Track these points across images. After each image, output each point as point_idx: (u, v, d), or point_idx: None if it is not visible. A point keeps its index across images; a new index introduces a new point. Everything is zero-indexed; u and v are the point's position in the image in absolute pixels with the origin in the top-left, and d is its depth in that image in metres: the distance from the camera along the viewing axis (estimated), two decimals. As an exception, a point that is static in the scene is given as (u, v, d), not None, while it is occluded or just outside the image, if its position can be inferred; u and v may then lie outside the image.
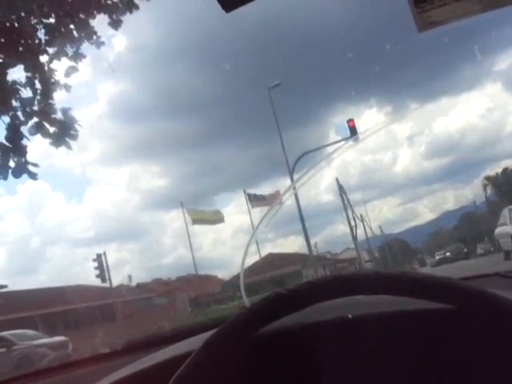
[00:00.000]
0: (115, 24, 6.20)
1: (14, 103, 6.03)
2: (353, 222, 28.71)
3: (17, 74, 6.14)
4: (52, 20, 5.94)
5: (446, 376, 0.60)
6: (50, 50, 6.09)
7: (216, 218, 29.50)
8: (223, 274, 32.61)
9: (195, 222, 27.89)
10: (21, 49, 5.82)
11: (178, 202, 29.67)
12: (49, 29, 5.94)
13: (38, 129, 6.11)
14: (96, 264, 23.26)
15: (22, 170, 5.99)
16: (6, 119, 5.97)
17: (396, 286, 0.59)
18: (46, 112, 6.15)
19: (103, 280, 23.37)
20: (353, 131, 17.83)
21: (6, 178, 5.94)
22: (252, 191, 28.31)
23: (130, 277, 28.20)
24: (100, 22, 6.16)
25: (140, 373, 0.73)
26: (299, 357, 0.64)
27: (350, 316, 0.64)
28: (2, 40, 5.73)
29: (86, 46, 6.33)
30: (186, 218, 27.72)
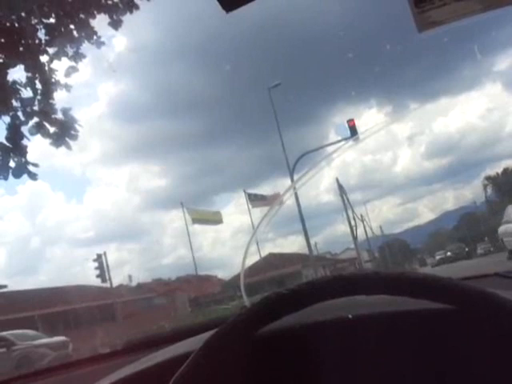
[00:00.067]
0: (115, 24, 6.21)
1: (15, 103, 6.04)
2: (353, 222, 28.74)
3: (17, 74, 6.16)
4: (52, 20, 5.95)
5: (447, 376, 0.60)
6: (51, 50, 6.11)
7: (215, 219, 29.51)
8: (223, 274, 32.62)
9: (195, 221, 27.91)
10: (21, 49, 5.82)
11: (178, 202, 29.71)
12: (49, 29, 5.95)
13: (38, 129, 6.11)
14: (96, 264, 23.28)
15: (22, 170, 6.00)
16: (7, 119, 5.99)
17: (396, 286, 0.59)
18: (46, 112, 6.16)
19: (103, 280, 23.39)
20: (353, 131, 17.84)
21: (6, 178, 5.96)
22: (252, 191, 28.31)
23: (130, 277, 28.22)
24: (100, 22, 6.17)
25: (140, 373, 0.73)
26: (299, 357, 0.64)
27: (350, 316, 0.64)
28: (3, 40, 5.74)
29: (86, 46, 6.35)
30: (186, 218, 27.77)
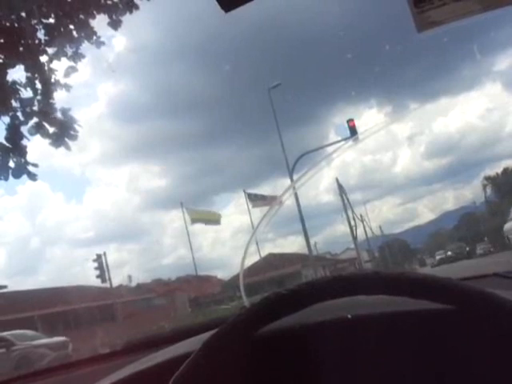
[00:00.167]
0: (115, 24, 6.21)
1: (14, 103, 6.04)
2: (353, 222, 28.80)
3: (17, 74, 6.16)
4: (52, 20, 5.95)
5: (447, 376, 0.60)
6: (50, 50, 6.11)
7: (214, 219, 29.49)
8: (223, 275, 32.61)
9: (194, 221, 27.90)
10: (21, 49, 5.82)
11: (178, 202, 29.75)
12: (48, 29, 5.94)
13: (38, 129, 6.11)
14: (96, 264, 23.28)
15: (21, 170, 6.00)
16: (6, 119, 5.99)
17: (396, 287, 0.59)
18: (46, 112, 6.16)
19: (103, 280, 23.39)
20: (353, 131, 17.84)
21: (6, 179, 5.95)
22: (252, 191, 28.33)
23: (129, 277, 28.21)
24: (99, 22, 6.17)
25: (140, 373, 0.73)
26: (299, 357, 0.64)
27: (349, 316, 0.64)
28: (2, 40, 5.73)
29: (85, 46, 6.35)
30: (185, 218, 27.77)
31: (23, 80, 6.05)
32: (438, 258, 37.38)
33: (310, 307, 0.60)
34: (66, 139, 6.27)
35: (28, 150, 6.06)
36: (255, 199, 26.69)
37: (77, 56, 6.32)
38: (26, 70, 6.05)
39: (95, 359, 1.33)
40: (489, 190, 42.60)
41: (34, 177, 6.13)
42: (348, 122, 19.01)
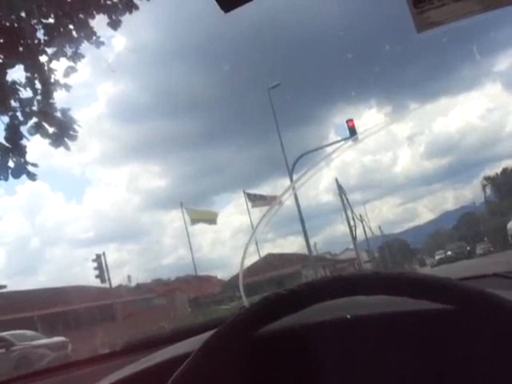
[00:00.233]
0: (114, 24, 6.21)
1: (14, 103, 6.04)
2: (352, 223, 28.80)
3: (16, 74, 6.16)
4: (51, 20, 5.95)
5: (446, 376, 0.60)
6: (50, 51, 6.11)
7: (211, 219, 29.48)
8: (223, 275, 32.61)
9: (194, 222, 27.91)
10: (20, 49, 5.82)
11: (178, 202, 29.71)
12: (48, 29, 5.95)
13: (38, 129, 6.11)
14: (95, 264, 23.27)
15: (21, 170, 6.00)
16: (6, 119, 5.99)
17: (395, 287, 0.59)
18: (46, 112, 6.16)
19: (103, 280, 23.38)
20: (352, 131, 17.84)
21: (6, 179, 5.96)
22: (252, 191, 28.35)
23: (129, 277, 28.20)
24: (99, 22, 6.17)
25: (140, 373, 0.73)
26: (299, 357, 0.64)
27: (349, 316, 0.64)
28: (2, 40, 5.74)
29: (85, 47, 6.35)
30: (185, 218, 27.77)
31: (23, 80, 6.06)
32: (437, 258, 37.30)
33: (309, 307, 0.60)
34: (66, 139, 6.27)
35: (27, 149, 6.08)
36: (255, 199, 26.71)
37: (76, 56, 6.33)
38: (26, 69, 6.06)
39: (95, 359, 1.33)
40: (489, 190, 42.65)
41: (34, 177, 6.14)
42: (347, 122, 19.03)
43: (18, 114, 6.01)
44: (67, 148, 6.32)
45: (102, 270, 23.29)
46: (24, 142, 6.04)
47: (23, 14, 5.69)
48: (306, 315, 0.62)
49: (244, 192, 27.62)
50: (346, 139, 18.63)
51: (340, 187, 29.24)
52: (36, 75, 6.09)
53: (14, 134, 5.95)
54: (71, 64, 6.33)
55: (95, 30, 6.20)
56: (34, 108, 6.12)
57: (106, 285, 23.85)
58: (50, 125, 6.22)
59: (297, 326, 0.64)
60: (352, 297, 0.60)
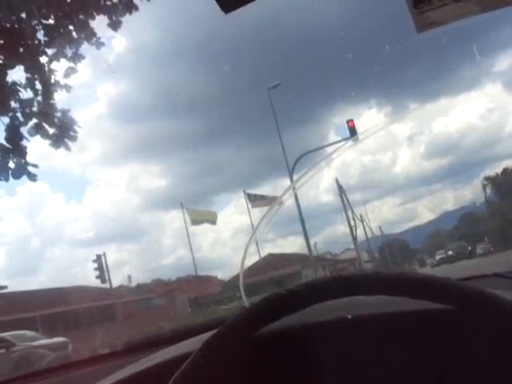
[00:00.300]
0: (115, 25, 6.20)
1: (14, 104, 6.04)
2: (352, 223, 28.81)
3: (16, 74, 6.16)
4: (51, 21, 5.94)
5: (446, 376, 0.60)
6: (50, 51, 6.10)
7: (211, 219, 29.46)
8: (223, 275, 32.61)
9: (194, 222, 27.89)
10: (20, 50, 5.82)
11: (178, 202, 29.76)
12: (48, 30, 5.94)
13: (38, 130, 6.11)
14: (96, 265, 23.27)
15: (21, 170, 6.00)
16: (6, 120, 5.98)
17: (395, 287, 0.59)
18: (46, 113, 6.16)
19: (103, 281, 23.38)
20: (352, 132, 17.85)
21: (6, 180, 5.95)
22: (252, 191, 28.34)
23: (129, 277, 28.20)
24: (99, 23, 6.17)
25: (140, 373, 0.73)
26: (299, 357, 0.64)
27: (349, 316, 0.64)
28: (2, 41, 5.74)
29: (85, 47, 6.35)
30: (185, 218, 27.76)
31: (23, 81, 6.06)
32: (438, 257, 37.21)
33: (309, 307, 0.60)
34: (66, 140, 6.27)
35: (28, 150, 6.07)
36: (255, 199, 26.69)
37: (77, 57, 6.32)
38: (26, 70, 6.05)
39: (95, 359, 1.33)
40: (489, 190, 42.60)
41: (34, 177, 6.13)
42: (347, 122, 19.03)
43: (19, 114, 6.01)
44: (67, 148, 6.32)
45: (102, 270, 23.30)
46: (24, 142, 6.04)
47: (23, 15, 5.69)
48: (305, 315, 0.62)
49: (244, 192, 27.64)
50: (346, 139, 18.63)
51: (340, 187, 29.25)
52: (36, 76, 6.09)
53: (14, 134, 5.95)
54: (71, 65, 6.33)
55: (95, 30, 6.19)
56: (35, 109, 6.12)
57: (107, 285, 23.89)
58: (51, 125, 6.22)
59: (297, 326, 0.65)
60: (352, 297, 0.61)
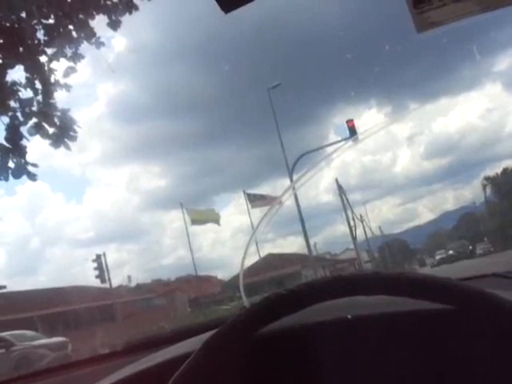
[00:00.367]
0: (114, 25, 6.20)
1: (14, 104, 6.04)
2: (352, 223, 28.82)
3: (16, 74, 6.15)
4: (51, 21, 5.94)
5: (446, 376, 0.60)
6: (50, 51, 6.10)
7: (213, 218, 29.43)
8: (223, 275, 32.62)
9: (194, 222, 27.88)
10: (20, 49, 5.82)
11: (178, 202, 29.77)
12: (48, 29, 5.94)
13: (38, 129, 6.11)
14: (95, 264, 23.25)
15: (21, 170, 6.00)
16: (6, 120, 5.98)
17: (395, 287, 0.59)
18: (46, 113, 6.15)
19: (103, 281, 23.36)
20: (352, 132, 17.85)
21: (6, 179, 5.95)
22: (252, 191, 28.32)
23: (129, 277, 28.19)
24: (99, 22, 6.16)
25: (140, 373, 0.73)
26: (299, 357, 0.64)
27: (349, 316, 0.64)
28: (2, 40, 5.73)
29: (85, 47, 6.34)
30: (185, 218, 27.75)
31: (23, 80, 6.06)
32: (438, 257, 37.14)
33: (309, 307, 0.60)
34: (66, 140, 6.26)
35: (28, 150, 6.07)
36: (254, 199, 26.66)
37: (76, 56, 6.32)
38: (26, 70, 6.05)
39: (95, 359, 1.33)
40: (489, 190, 42.58)
41: (34, 177, 6.13)
42: (347, 122, 19.03)
43: (18, 114, 6.01)
44: (68, 148, 6.32)
45: (102, 270, 23.29)
46: (24, 142, 6.04)
47: (23, 15, 5.68)
48: (305, 315, 0.62)
49: (244, 192, 27.63)
50: (346, 139, 18.63)
51: (340, 187, 29.26)
52: (36, 75, 6.09)
53: (14, 134, 5.95)
54: (71, 64, 6.33)
55: (95, 30, 6.20)
56: (34, 108, 6.12)
57: (106, 285, 23.87)
58: (50, 125, 6.22)
59: (297, 326, 0.65)
60: (352, 297, 0.61)
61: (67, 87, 6.38)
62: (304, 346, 0.64)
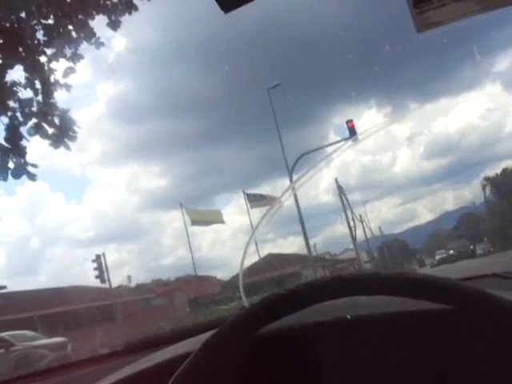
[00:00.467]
0: (114, 25, 6.20)
1: (13, 104, 6.03)
2: (352, 223, 28.83)
3: (16, 74, 6.15)
4: (51, 21, 5.94)
5: (446, 376, 0.60)
6: (49, 51, 6.10)
7: (216, 219, 29.45)
8: (222, 275, 32.63)
9: (194, 223, 27.88)
10: (20, 49, 5.81)
11: (178, 202, 29.75)
12: (48, 29, 5.94)
13: (37, 130, 6.10)
14: (95, 265, 23.25)
15: (21, 170, 5.99)
16: (5, 120, 5.98)
17: (395, 287, 0.59)
18: (45, 113, 6.15)
19: (102, 281, 23.36)
20: (352, 132, 17.84)
21: (5, 179, 5.95)
22: (252, 191, 28.34)
23: (129, 277, 28.19)
24: (99, 22, 6.16)
25: (139, 373, 0.73)
26: (299, 357, 0.64)
27: (349, 316, 0.64)
28: (2, 40, 5.73)
29: (84, 47, 6.34)
30: (185, 218, 27.75)
31: (22, 80, 6.05)
32: (438, 257, 37.06)
33: (309, 307, 0.60)
34: (66, 140, 6.26)
35: (27, 150, 6.06)
36: (254, 199, 26.67)
37: (76, 56, 6.31)
38: (26, 70, 6.05)
39: (95, 359, 1.33)
40: (489, 190, 42.58)
41: (34, 177, 6.13)
42: (347, 122, 19.03)
43: (18, 114, 6.01)
44: (67, 148, 6.31)
45: (101, 270, 23.28)
46: (24, 142, 6.03)
47: (23, 15, 5.68)
48: (305, 315, 0.62)
49: (244, 192, 27.63)
50: (346, 139, 18.62)
51: (340, 187, 29.27)
52: (36, 76, 6.08)
53: (13, 134, 5.95)
54: (71, 64, 6.32)
55: (95, 30, 6.19)
56: (34, 108, 6.11)
57: (106, 285, 23.88)
58: (50, 125, 6.21)
59: (297, 326, 0.64)
60: (352, 297, 0.61)
61: (67, 87, 6.39)
62: (304, 346, 0.64)
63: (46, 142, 6.26)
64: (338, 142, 22.08)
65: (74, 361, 1.44)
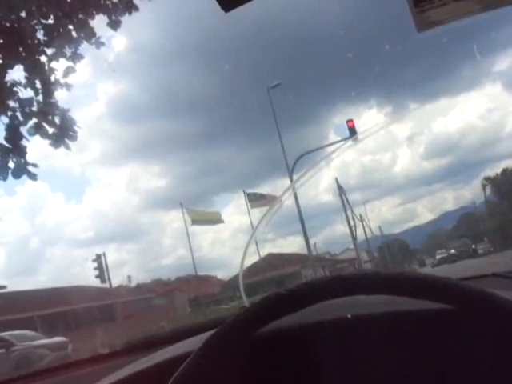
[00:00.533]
0: (114, 24, 6.19)
1: (13, 104, 6.02)
2: (352, 223, 28.84)
3: (16, 74, 6.15)
4: (51, 20, 5.93)
5: (447, 376, 0.60)
6: (49, 51, 6.08)
7: (215, 219, 29.48)
8: (223, 275, 32.65)
9: (194, 222, 27.88)
10: (20, 49, 5.81)
11: (178, 202, 29.75)
12: (48, 29, 5.94)
13: (37, 129, 6.10)
14: (95, 264, 23.25)
15: (21, 170, 5.99)
16: (5, 120, 5.97)
17: (395, 286, 0.59)
18: (45, 113, 6.15)
19: (103, 280, 23.36)
20: (352, 132, 17.84)
21: (5, 179, 5.94)
22: (252, 191, 28.32)
23: (129, 277, 28.20)
24: (99, 22, 6.16)
25: (139, 373, 0.73)
26: (299, 357, 0.64)
27: (349, 316, 0.64)
28: (2, 40, 5.73)
29: (85, 47, 6.33)
30: (185, 218, 27.75)
31: (22, 80, 6.04)
32: (438, 257, 36.94)
33: (309, 307, 0.60)
34: (66, 140, 6.26)
35: (28, 150, 6.06)
36: (254, 199, 26.66)
37: (76, 56, 6.31)
38: (26, 70, 6.04)
39: (95, 359, 1.33)
40: (489, 190, 42.58)
41: (34, 177, 6.12)
42: (347, 122, 19.03)
43: (18, 114, 6.00)
44: (67, 148, 6.31)
45: (101, 270, 23.28)
46: (24, 142, 6.03)
47: (23, 14, 5.68)
48: (305, 315, 0.62)
49: (244, 192, 27.63)
50: (345, 139, 18.62)
51: (340, 187, 29.28)
52: (36, 75, 6.08)
53: (13, 134, 5.94)
54: (71, 64, 6.31)
55: (95, 30, 6.18)
56: (34, 108, 6.11)
57: (106, 285, 23.88)
58: (50, 125, 6.21)
59: (297, 326, 0.64)
60: (352, 296, 0.60)
61: (67, 87, 6.38)
62: (304, 346, 0.64)
63: (46, 142, 6.26)
64: (338, 141, 22.09)
65: (74, 361, 1.44)
